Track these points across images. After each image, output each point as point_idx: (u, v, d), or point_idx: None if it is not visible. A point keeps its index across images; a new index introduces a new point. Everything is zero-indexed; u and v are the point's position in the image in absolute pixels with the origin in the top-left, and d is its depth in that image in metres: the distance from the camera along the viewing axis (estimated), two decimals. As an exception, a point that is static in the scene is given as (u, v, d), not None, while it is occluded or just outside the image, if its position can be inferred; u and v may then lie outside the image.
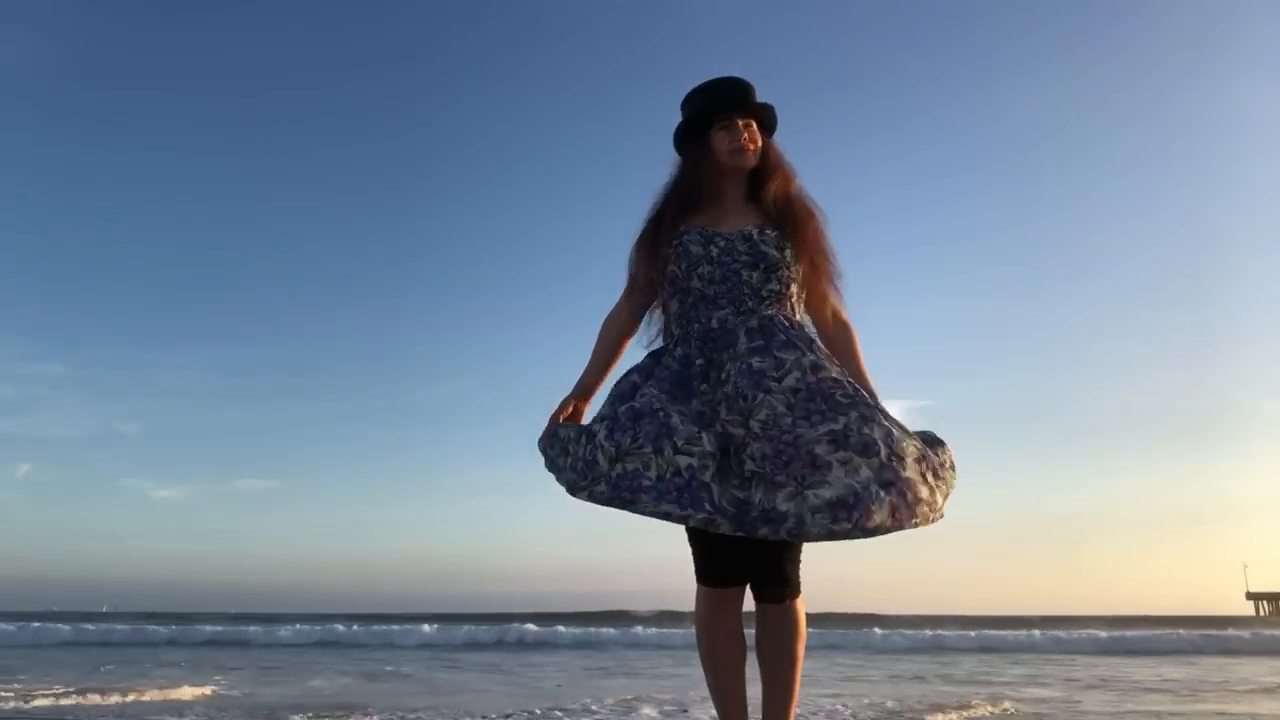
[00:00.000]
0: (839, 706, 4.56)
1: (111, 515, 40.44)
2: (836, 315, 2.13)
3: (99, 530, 40.32)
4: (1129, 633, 12.88)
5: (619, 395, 1.94)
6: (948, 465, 1.89)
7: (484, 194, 41.12)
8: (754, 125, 2.10)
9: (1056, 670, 7.84)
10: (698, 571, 1.99)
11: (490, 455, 43.85)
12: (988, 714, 4.47)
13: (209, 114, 39.96)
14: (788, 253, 2.01)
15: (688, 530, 1.95)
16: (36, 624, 14.97)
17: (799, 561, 1.96)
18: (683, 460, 1.72)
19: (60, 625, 14.80)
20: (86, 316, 39.22)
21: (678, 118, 2.15)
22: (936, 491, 1.79)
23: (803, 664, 1.99)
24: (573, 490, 1.85)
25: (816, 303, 2.10)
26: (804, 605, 1.97)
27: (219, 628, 15.22)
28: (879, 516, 1.68)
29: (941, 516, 1.81)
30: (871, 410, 1.80)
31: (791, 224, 2.05)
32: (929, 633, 13.41)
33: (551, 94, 40.94)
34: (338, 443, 42.49)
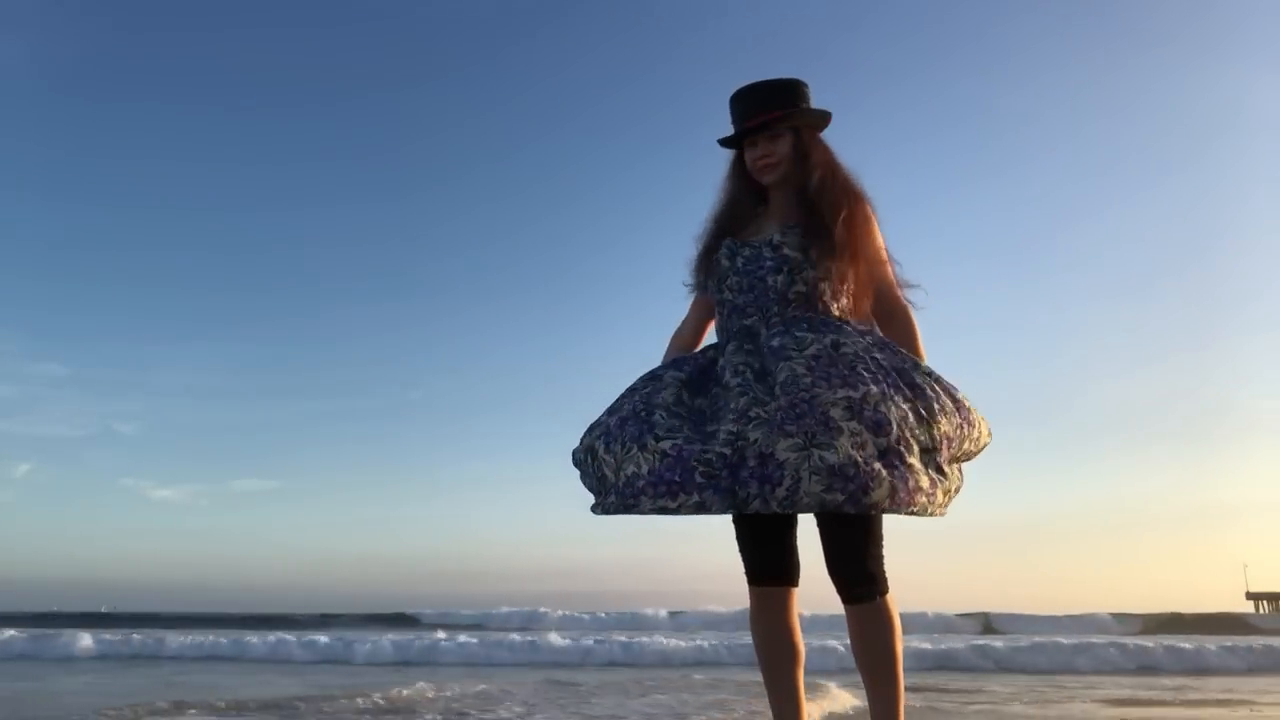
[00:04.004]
0: None
1: (110, 515, 40.43)
2: (888, 305, 2.07)
3: (98, 530, 40.35)
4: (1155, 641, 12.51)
5: (616, 408, 1.95)
6: (954, 461, 1.85)
7: (490, 200, 41.12)
8: (783, 136, 2.07)
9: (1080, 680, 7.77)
10: (745, 569, 2.02)
11: (491, 454, 43.81)
12: None
13: (211, 119, 39.98)
14: (814, 251, 1.98)
15: (733, 524, 2.03)
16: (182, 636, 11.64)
17: (882, 558, 1.93)
18: (666, 444, 1.75)
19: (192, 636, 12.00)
20: (86, 316, 39.19)
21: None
22: (938, 486, 1.77)
23: (902, 660, 1.95)
24: (593, 510, 1.89)
25: (861, 293, 2.05)
26: (895, 602, 1.93)
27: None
28: (877, 494, 1.66)
29: (942, 513, 1.80)
30: (893, 389, 1.79)
31: (820, 219, 2.00)
32: (933, 645, 13.32)
33: (562, 108, 40.95)
34: (338, 443, 42.47)
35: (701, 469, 1.70)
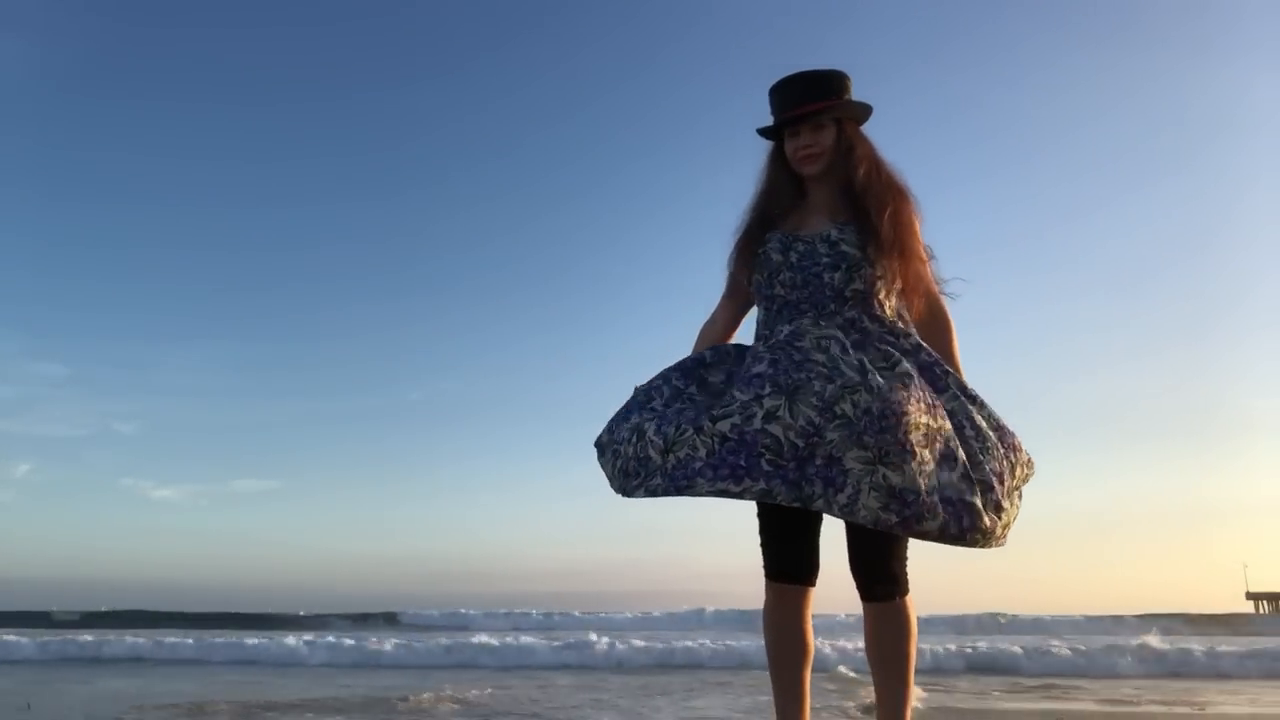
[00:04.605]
0: None
1: (110, 515, 40.34)
2: (931, 303, 2.06)
3: (98, 530, 40.27)
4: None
5: (657, 389, 1.94)
6: (1011, 493, 1.84)
7: (489, 198, 41.13)
8: (826, 127, 2.05)
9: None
10: (764, 564, 2.01)
11: (491, 453, 43.83)
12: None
13: (211, 117, 39.91)
14: (870, 249, 1.96)
15: (757, 518, 2.02)
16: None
17: (905, 559, 1.93)
18: (724, 425, 1.72)
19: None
20: (86, 315, 39.07)
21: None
22: (997, 523, 1.78)
23: (914, 664, 1.96)
24: (626, 491, 1.86)
25: (906, 292, 2.03)
26: (914, 604, 1.94)
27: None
28: (928, 525, 1.68)
29: (1000, 545, 1.81)
30: (961, 423, 1.82)
31: (868, 216, 1.99)
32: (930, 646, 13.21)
33: (562, 104, 40.94)
34: (338, 443, 42.40)
35: (768, 456, 1.70)
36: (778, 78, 2.10)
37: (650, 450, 1.80)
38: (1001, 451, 1.84)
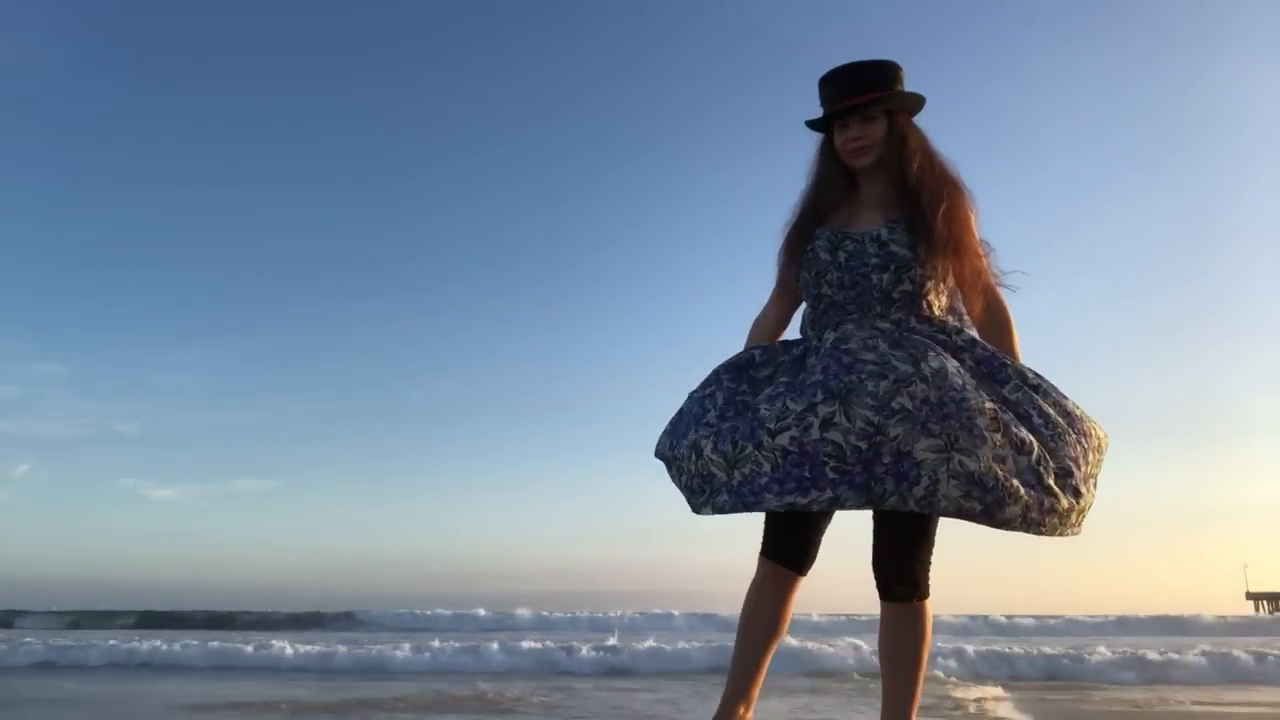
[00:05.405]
0: None
1: (110, 515, 40.28)
2: (988, 299, 2.02)
3: (98, 530, 40.23)
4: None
5: (710, 397, 1.92)
6: (1088, 479, 1.81)
7: (487, 192, 41.04)
8: (876, 118, 2.02)
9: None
10: (762, 541, 2.00)
11: (490, 452, 43.83)
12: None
13: (211, 107, 39.76)
14: (921, 249, 1.93)
15: None
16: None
17: (929, 563, 1.92)
18: (782, 439, 1.70)
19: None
20: (86, 315, 38.99)
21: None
22: (1074, 509, 1.76)
23: (925, 669, 1.95)
24: (695, 508, 1.86)
25: (963, 289, 2.01)
26: (932, 608, 1.93)
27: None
28: (1012, 510, 1.66)
29: (1076, 532, 1.78)
30: (1027, 413, 1.79)
31: (921, 211, 1.95)
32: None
33: (559, 95, 40.90)
34: (337, 441, 42.39)
35: (832, 463, 1.68)
36: (814, 71, 2.07)
37: (713, 468, 1.78)
38: (1074, 437, 1.80)
